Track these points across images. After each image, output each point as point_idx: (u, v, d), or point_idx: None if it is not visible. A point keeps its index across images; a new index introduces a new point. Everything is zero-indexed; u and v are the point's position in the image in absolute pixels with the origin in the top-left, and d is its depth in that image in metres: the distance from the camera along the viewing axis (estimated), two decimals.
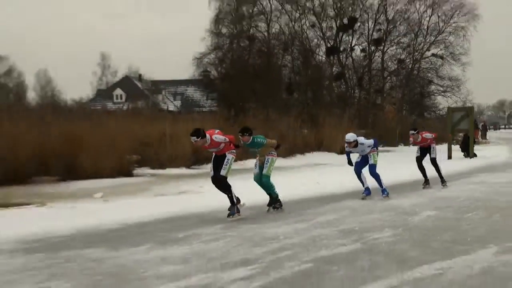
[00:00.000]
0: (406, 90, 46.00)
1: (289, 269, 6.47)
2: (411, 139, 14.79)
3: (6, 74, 61.83)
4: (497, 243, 7.55)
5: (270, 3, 42.44)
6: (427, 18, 45.37)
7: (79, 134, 18.32)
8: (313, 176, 16.27)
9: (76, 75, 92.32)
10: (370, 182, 13.12)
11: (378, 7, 44.92)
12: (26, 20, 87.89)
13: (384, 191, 12.91)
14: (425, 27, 45.34)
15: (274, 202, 11.21)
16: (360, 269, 6.46)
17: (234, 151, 10.46)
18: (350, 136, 12.90)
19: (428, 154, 15.04)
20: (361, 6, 44.55)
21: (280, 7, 42.80)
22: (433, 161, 15.16)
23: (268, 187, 11.17)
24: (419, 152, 15.16)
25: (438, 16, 45.20)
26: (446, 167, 20.33)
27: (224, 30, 41.08)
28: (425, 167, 15.08)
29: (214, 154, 10.35)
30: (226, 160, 10.19)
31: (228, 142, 10.26)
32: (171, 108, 54.18)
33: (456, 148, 25.73)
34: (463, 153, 25.21)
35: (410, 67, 46.00)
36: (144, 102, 50.73)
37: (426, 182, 15.08)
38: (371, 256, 7.08)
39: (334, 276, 6.16)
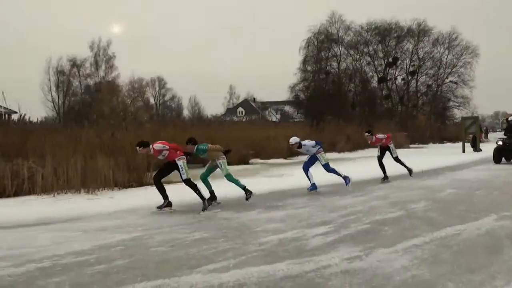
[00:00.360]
0: (433, 105, 45.12)
1: (354, 228, 6.31)
2: (368, 140, 12.10)
3: (171, 99, 64.59)
4: (496, 212, 7.08)
5: (339, 49, 43.00)
6: (445, 57, 44.65)
7: (216, 136, 18.78)
8: (370, 164, 15.77)
9: (212, 98, 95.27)
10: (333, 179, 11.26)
11: (412, 50, 44.86)
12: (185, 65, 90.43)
13: (346, 179, 10.60)
14: (444, 62, 44.63)
15: (246, 192, 9.05)
16: (403, 229, 6.20)
17: (183, 156, 8.51)
18: (292, 139, 10.50)
19: (389, 154, 12.06)
20: (401, 50, 44.72)
21: (346, 52, 43.40)
22: (396, 159, 12.21)
23: (233, 182, 9.08)
24: (379, 152, 12.24)
25: (453, 55, 44.35)
26: (462, 158, 19.47)
27: (309, 68, 41.89)
28: (385, 164, 12.12)
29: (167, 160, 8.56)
30: (179, 167, 8.35)
31: (171, 149, 8.41)
32: (274, 119, 54.78)
33: (467, 145, 24.42)
34: (472, 148, 23.91)
35: (435, 89, 45.26)
36: (256, 116, 51.70)
37: (385, 177, 12.03)
38: (410, 220, 6.79)
39: (385, 234, 5.96)
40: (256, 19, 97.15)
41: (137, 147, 8.45)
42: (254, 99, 67.40)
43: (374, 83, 45.38)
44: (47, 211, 8.43)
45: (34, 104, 48.15)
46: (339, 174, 10.67)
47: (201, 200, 8.38)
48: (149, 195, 9.63)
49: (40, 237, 6.33)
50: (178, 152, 8.51)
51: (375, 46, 44.42)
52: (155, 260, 4.87)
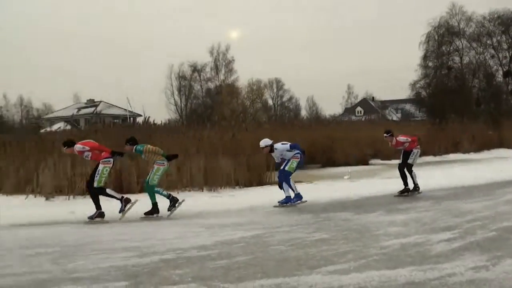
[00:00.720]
0: None
1: (480, 235, 5.74)
2: (388, 142, 10.00)
3: (288, 100, 65.28)
4: None
5: (461, 43, 39.98)
6: None
7: (334, 136, 18.66)
8: (497, 166, 14.41)
9: (329, 98, 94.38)
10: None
11: None
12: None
13: (284, 201, 8.80)
14: None
15: (152, 210, 8.09)
16: None
17: (109, 159, 7.84)
18: (262, 142, 9.08)
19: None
20: None
21: (469, 45, 40.20)
22: (407, 168, 9.76)
23: (148, 193, 8.15)
24: (401, 158, 9.94)
25: None
26: None
27: (430, 64, 39.54)
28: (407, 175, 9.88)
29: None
30: (96, 171, 7.78)
31: (93, 150, 7.87)
32: (394, 118, 52.64)
33: None
34: None
35: None
36: (376, 115, 50.11)
37: (405, 190, 9.75)
38: None
39: None
40: (372, 15, 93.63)
41: (63, 147, 8.17)
42: (373, 98, 65.59)
43: (499, 77, 41.47)
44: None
45: (158, 108, 52.04)
46: (291, 190, 8.87)
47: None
48: (268, 194, 9.81)
49: (165, 231, 6.75)
50: (102, 154, 7.91)
51: (498, 37, 40.52)
52: (275, 258, 4.90)
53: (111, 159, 7.90)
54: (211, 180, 11.17)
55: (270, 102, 64.77)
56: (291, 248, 5.38)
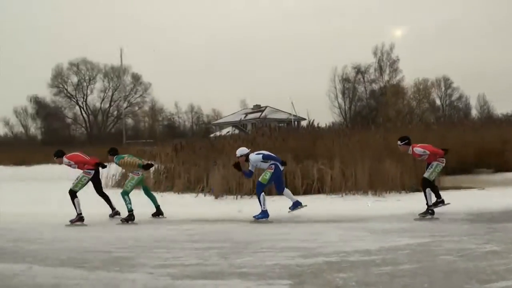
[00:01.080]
0: None
1: None
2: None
3: (458, 99, 59.82)
4: None
5: None
6: None
7: (507, 138, 16.59)
8: None
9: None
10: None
11: None
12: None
13: (259, 216, 8.20)
14: None
15: (129, 215, 8.47)
16: None
17: (90, 171, 8.71)
18: (238, 151, 8.59)
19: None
20: None
21: None
22: (423, 180, 8.28)
23: (124, 200, 8.47)
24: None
25: None
26: None
27: None
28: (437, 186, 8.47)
29: None
30: (77, 177, 8.73)
31: (78, 163, 8.78)
32: None
33: None
34: None
35: None
36: None
37: (437, 202, 8.18)
38: None
39: None
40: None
41: (54, 156, 9.05)
42: None
43: None
44: (336, 210, 8.96)
45: (322, 111, 52.59)
46: (260, 204, 8.27)
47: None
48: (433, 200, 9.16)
49: (328, 233, 6.75)
50: (85, 166, 8.76)
51: None
52: (443, 269, 4.55)
53: (92, 171, 8.80)
54: (376, 184, 10.86)
55: (438, 101, 60.65)
56: (460, 259, 4.95)
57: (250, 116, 49.63)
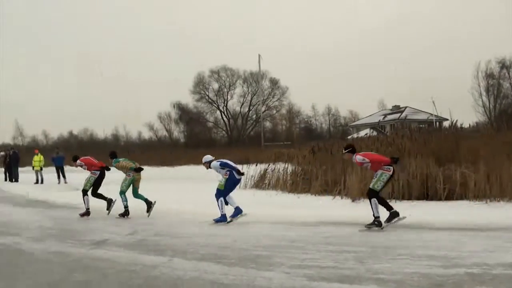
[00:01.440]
0: None
1: None
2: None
3: None
4: None
5: None
6: None
7: None
8: None
9: None
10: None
11: None
12: None
13: (218, 219, 8.83)
14: None
15: (123, 212, 9.96)
16: None
17: (96, 172, 10.19)
18: (203, 158, 9.47)
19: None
20: None
21: None
22: (368, 191, 7.85)
23: (120, 198, 9.99)
24: None
25: None
26: None
27: None
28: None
29: None
30: (86, 178, 10.33)
31: (88, 165, 10.32)
32: None
33: None
34: None
35: None
36: None
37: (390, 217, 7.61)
38: None
39: None
40: None
41: (72, 160, 10.83)
42: None
43: None
44: (479, 217, 8.27)
45: (464, 110, 48.51)
46: (219, 208, 8.92)
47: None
48: None
49: (470, 243, 6.28)
50: (92, 167, 10.24)
51: None
52: None
53: (98, 172, 10.19)
54: None
55: None
56: None
57: (389, 117, 48.02)
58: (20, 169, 23.40)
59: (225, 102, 61.39)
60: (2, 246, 7.02)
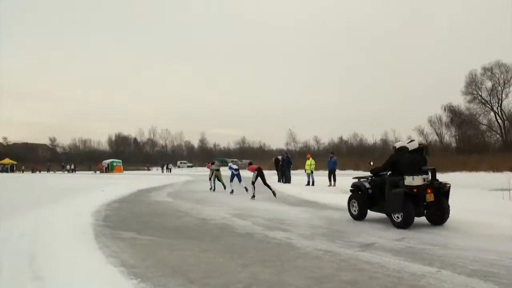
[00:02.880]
0: None
1: None
2: None
3: None
4: None
5: None
6: None
7: None
8: None
9: None
10: None
11: None
12: None
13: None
14: None
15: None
16: None
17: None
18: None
19: None
20: None
21: None
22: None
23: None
24: None
25: None
26: None
27: None
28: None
29: None
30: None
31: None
32: None
33: None
34: None
35: None
36: None
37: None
38: None
39: None
40: None
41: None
42: None
43: None
44: None
45: None
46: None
47: None
48: None
49: None
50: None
51: None
52: None
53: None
54: None
55: None
56: None
57: None
58: (292, 171, 25.99)
59: (499, 102, 54.92)
60: (275, 240, 7.77)
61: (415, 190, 8.75)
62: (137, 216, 11.52)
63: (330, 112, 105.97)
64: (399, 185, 9.01)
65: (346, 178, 16.31)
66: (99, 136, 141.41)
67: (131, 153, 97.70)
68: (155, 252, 6.90)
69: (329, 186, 21.72)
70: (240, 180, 18.75)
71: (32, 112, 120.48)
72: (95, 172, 67.43)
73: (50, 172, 71.63)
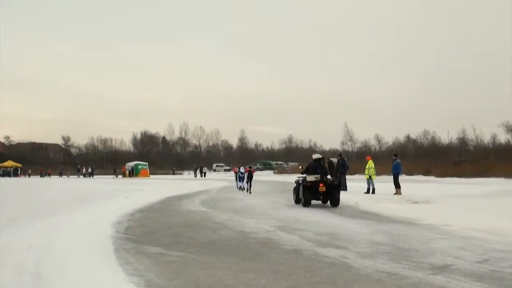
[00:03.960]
0: None
1: None
2: None
3: None
4: None
5: None
6: None
7: None
8: None
9: None
10: None
11: None
12: None
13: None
14: None
15: None
16: None
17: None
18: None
19: None
20: None
21: None
22: None
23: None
24: None
25: None
26: None
27: None
28: None
29: None
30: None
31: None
32: None
33: None
34: None
35: None
36: None
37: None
38: None
39: None
40: None
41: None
42: None
43: None
44: None
45: None
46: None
47: None
48: None
49: None
50: None
51: None
52: None
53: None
54: None
55: None
56: None
57: None
58: (348, 177, 25.46)
59: None
60: (328, 259, 7.65)
61: (309, 184, 17.57)
62: (165, 228, 11.64)
63: (395, 105, 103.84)
64: (304, 181, 17.88)
65: (415, 186, 15.98)
66: (122, 134, 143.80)
67: (159, 154, 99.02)
68: (185, 270, 6.92)
69: (394, 194, 21.31)
70: (242, 180, 27.71)
71: (40, 108, 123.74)
72: (117, 176, 68.35)
73: (63, 176, 72.90)
